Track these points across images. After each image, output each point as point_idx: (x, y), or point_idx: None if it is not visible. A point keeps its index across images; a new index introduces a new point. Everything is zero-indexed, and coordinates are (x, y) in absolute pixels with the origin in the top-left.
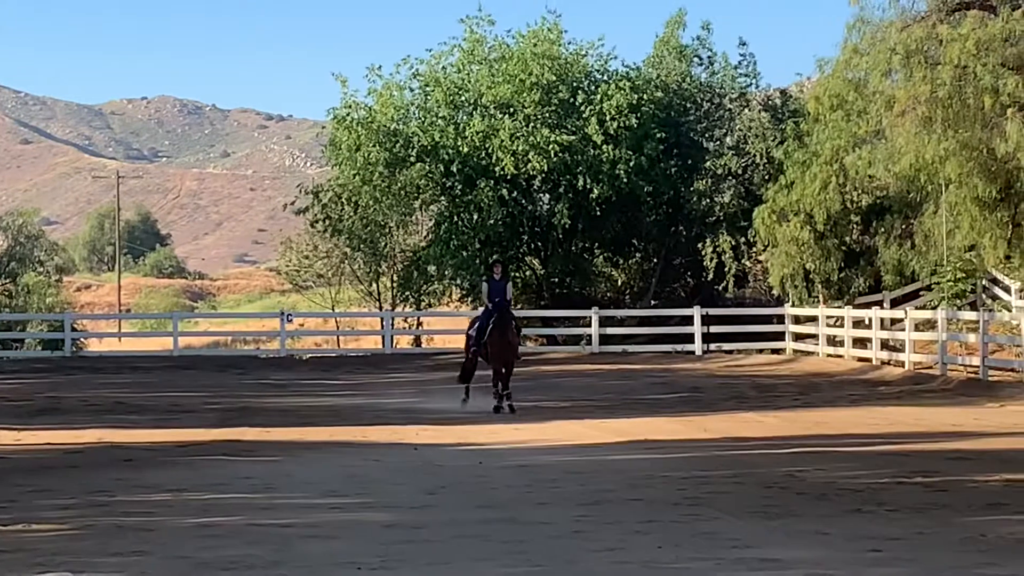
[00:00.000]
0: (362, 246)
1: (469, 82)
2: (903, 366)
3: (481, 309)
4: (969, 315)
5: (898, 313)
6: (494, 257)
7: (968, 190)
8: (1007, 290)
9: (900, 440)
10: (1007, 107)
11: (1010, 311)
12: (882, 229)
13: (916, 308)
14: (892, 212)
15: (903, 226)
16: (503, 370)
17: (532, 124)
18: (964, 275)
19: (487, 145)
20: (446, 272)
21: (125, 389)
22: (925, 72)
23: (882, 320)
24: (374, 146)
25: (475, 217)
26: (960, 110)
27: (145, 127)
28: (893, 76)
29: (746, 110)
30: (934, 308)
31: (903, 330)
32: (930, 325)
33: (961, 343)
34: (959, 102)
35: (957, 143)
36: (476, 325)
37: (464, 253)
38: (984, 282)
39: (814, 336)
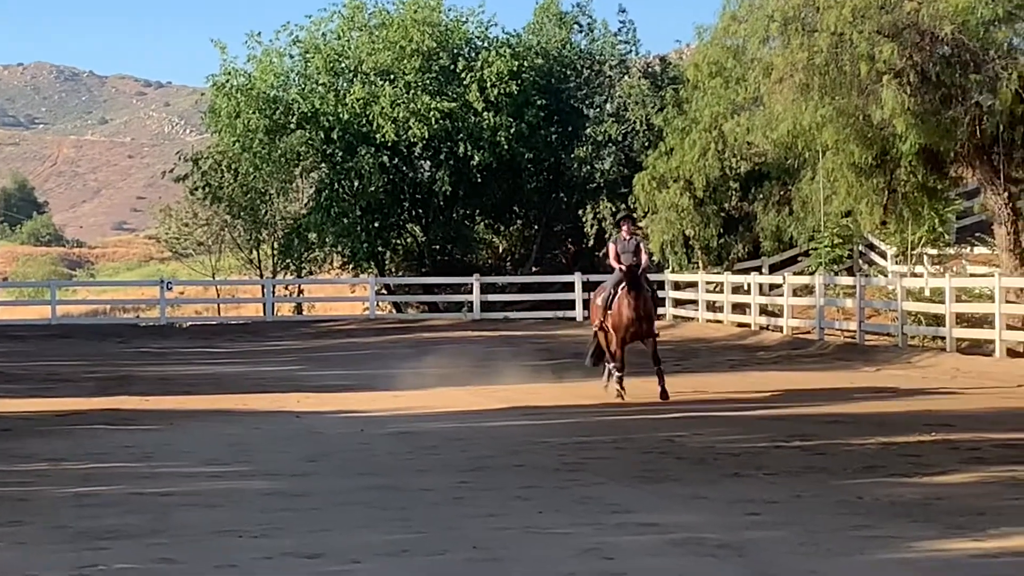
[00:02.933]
0: (242, 213)
1: (349, 49)
2: (781, 331)
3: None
4: (846, 280)
5: (776, 279)
6: (622, 213)
7: (845, 156)
8: (883, 255)
9: (778, 404)
10: (883, 74)
11: (886, 276)
12: (761, 195)
13: (794, 274)
14: (770, 178)
15: (781, 192)
16: (649, 346)
17: (413, 91)
18: (841, 241)
19: (368, 112)
20: (327, 239)
21: (2, 358)
22: (802, 39)
23: (761, 286)
24: (254, 113)
25: (356, 184)
26: (837, 77)
27: (21, 93)
28: (771, 43)
29: (626, 77)
30: (812, 273)
31: (781, 295)
32: (808, 290)
33: (838, 308)
34: (836, 69)
35: (834, 110)
36: (602, 292)
37: (345, 220)
38: (860, 247)
39: (694, 302)
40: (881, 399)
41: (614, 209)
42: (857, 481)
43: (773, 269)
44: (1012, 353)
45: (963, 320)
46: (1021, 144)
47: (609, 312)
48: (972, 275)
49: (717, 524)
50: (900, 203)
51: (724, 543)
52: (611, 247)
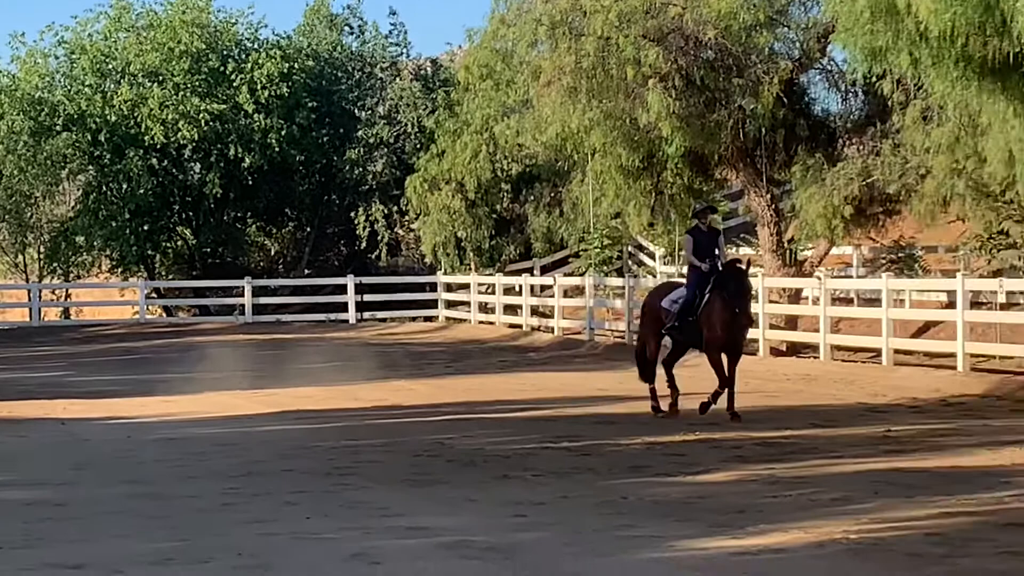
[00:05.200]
0: (7, 217)
1: (116, 50)
2: (552, 332)
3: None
4: (615, 281)
5: (547, 280)
6: (699, 204)
7: (613, 159)
8: (652, 256)
9: (547, 405)
10: (648, 78)
11: (655, 277)
12: (532, 197)
13: (565, 275)
14: (541, 180)
15: (552, 194)
16: (731, 360)
17: (182, 93)
18: (610, 242)
19: (136, 114)
20: (95, 243)
21: None
22: (570, 43)
23: (532, 287)
24: (18, 114)
25: (124, 187)
26: (604, 80)
27: None
28: (539, 47)
29: (397, 79)
30: (582, 275)
31: (552, 296)
32: (578, 291)
33: (608, 309)
34: (603, 73)
35: (601, 113)
36: (672, 295)
37: (113, 223)
38: (630, 248)
39: (466, 303)
40: (648, 399)
41: (386, 212)
42: (623, 481)
43: (544, 270)
44: (775, 352)
45: None
46: (783, 147)
47: (692, 319)
48: None
49: (485, 526)
50: (667, 205)
51: (491, 545)
52: (688, 241)
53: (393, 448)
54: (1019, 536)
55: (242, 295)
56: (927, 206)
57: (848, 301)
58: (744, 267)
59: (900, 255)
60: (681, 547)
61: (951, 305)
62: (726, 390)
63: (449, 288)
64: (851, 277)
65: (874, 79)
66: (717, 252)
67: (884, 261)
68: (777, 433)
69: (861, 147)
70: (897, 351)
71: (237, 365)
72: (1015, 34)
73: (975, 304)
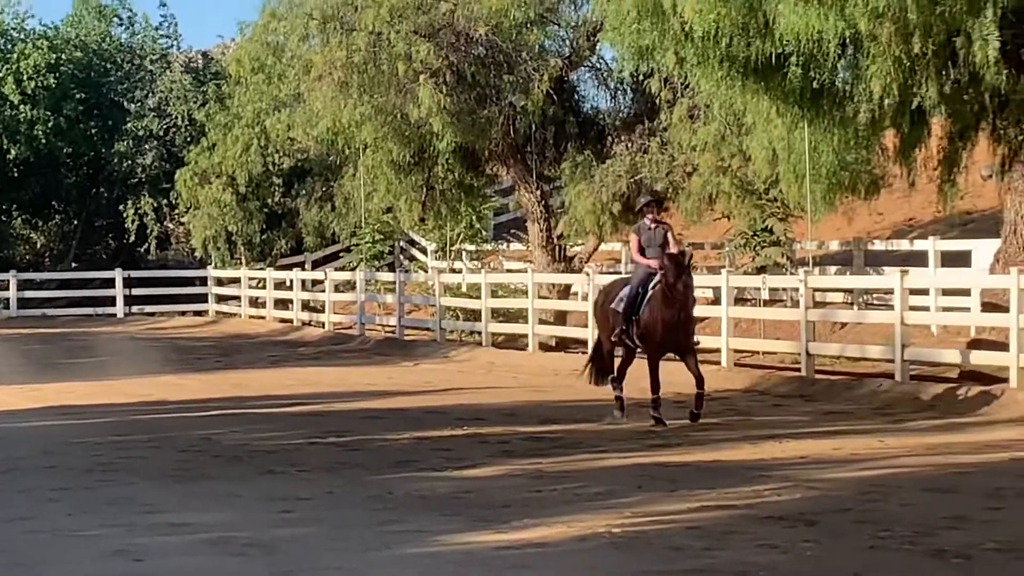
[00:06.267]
0: None
1: None
2: (323, 327)
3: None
4: (387, 276)
5: (319, 275)
6: (646, 197)
7: (384, 154)
8: (424, 251)
9: (316, 400)
10: (419, 73)
11: (426, 271)
12: (303, 191)
13: (336, 269)
14: (313, 175)
15: (324, 188)
16: (688, 361)
17: None
18: (382, 237)
19: None
20: None
21: None
22: (341, 38)
23: (303, 281)
24: None
25: None
26: (375, 75)
27: None
28: (311, 41)
29: (168, 72)
30: (353, 269)
31: (323, 291)
32: (350, 286)
33: (379, 303)
34: (374, 67)
35: (373, 108)
36: (620, 294)
37: None
38: (402, 243)
39: (237, 298)
40: (417, 394)
41: (156, 205)
42: (389, 476)
43: (316, 265)
44: (544, 347)
45: (498, 315)
46: (553, 144)
47: (635, 319)
48: (508, 271)
49: (248, 522)
50: (439, 200)
51: (253, 541)
52: (633, 239)
53: (159, 444)
54: (776, 529)
55: (7, 288)
56: (694, 203)
57: None
58: (687, 261)
59: None
60: (445, 541)
61: (716, 301)
62: (657, 394)
63: (219, 282)
64: (620, 273)
65: (642, 77)
66: (667, 247)
67: None
68: (544, 428)
69: (630, 144)
70: None
71: (1, 360)
72: (777, 35)
73: (739, 300)
